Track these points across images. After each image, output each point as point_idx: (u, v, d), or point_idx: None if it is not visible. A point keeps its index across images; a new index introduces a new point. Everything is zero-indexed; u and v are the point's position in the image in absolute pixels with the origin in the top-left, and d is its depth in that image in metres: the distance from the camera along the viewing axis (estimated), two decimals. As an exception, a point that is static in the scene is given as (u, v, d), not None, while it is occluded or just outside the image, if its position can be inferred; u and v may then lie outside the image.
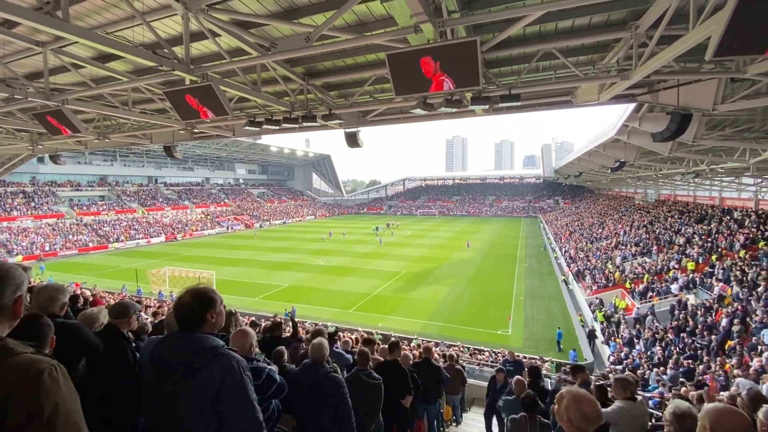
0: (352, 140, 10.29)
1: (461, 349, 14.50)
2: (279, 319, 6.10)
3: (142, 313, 6.44)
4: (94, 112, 10.13)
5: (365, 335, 6.31)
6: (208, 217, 60.15)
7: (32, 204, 42.63)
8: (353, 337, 6.28)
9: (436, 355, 6.52)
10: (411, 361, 5.10)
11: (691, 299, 15.12)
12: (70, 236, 40.41)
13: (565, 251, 32.51)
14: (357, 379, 3.61)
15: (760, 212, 19.67)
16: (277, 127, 9.05)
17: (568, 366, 12.02)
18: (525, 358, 12.81)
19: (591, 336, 17.15)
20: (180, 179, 67.56)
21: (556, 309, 21.22)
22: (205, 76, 6.36)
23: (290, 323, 5.60)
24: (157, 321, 5.54)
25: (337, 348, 4.73)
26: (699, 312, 13.88)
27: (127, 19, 5.89)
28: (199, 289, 1.84)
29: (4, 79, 7.69)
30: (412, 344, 11.60)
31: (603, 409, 3.47)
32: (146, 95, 9.53)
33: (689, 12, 4.39)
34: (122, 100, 10.07)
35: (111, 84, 7.85)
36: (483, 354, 14.58)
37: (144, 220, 50.75)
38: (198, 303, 1.79)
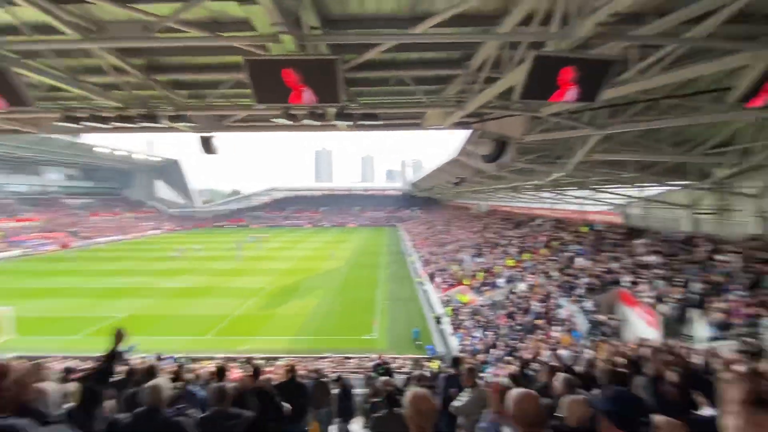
0: (207, 146, 9.31)
1: (331, 360, 14.55)
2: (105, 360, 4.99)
3: None
4: None
5: (216, 366, 5.55)
6: (1, 234, 45.62)
7: None
8: (209, 369, 5.62)
9: (300, 372, 6.36)
10: (274, 383, 4.85)
11: (522, 287, 18.69)
12: None
13: (421, 256, 36.21)
14: (215, 419, 3.20)
15: (554, 219, 25.80)
16: (107, 126, 7.53)
17: (422, 361, 13.29)
18: (392, 358, 13.65)
19: (438, 321, 20.02)
20: (-52, 185, 49.66)
21: (414, 309, 23.34)
22: (-8, 53, 4.86)
23: (123, 362, 4.62)
24: None
25: (189, 387, 4.15)
26: (518, 300, 17.27)
27: None
28: None
29: None
30: (277, 363, 11.05)
31: (456, 403, 3.94)
32: None
33: (503, 61, 5.50)
34: None
35: None
36: (351, 361, 14.92)
37: None
38: None
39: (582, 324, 13.19)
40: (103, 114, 7.45)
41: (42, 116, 9.18)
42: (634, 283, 13.08)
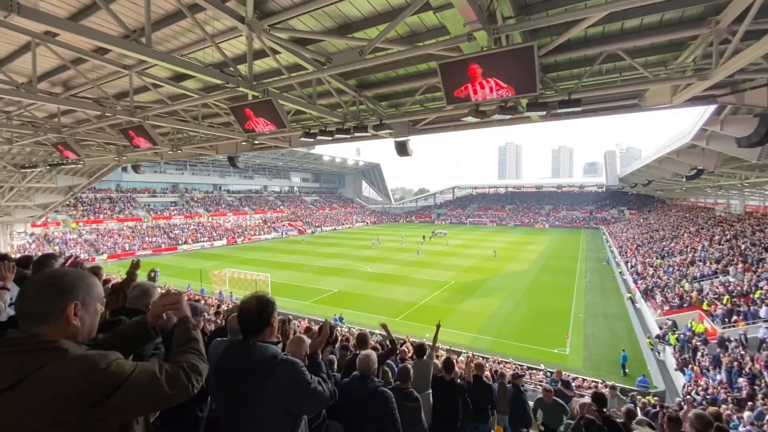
0: (402, 149, 10.36)
1: (513, 367, 13.85)
2: (333, 324, 6.21)
3: (205, 314, 6.90)
4: (169, 127, 11.20)
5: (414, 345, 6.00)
6: (266, 222, 63.59)
7: (116, 209, 47.92)
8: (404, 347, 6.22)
9: (487, 373, 6.27)
10: (460, 379, 4.95)
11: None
12: (147, 238, 44.77)
13: (632, 266, 29.88)
14: (395, 396, 3.49)
15: None
16: (330, 138, 9.36)
17: (635, 395, 10.99)
18: (585, 381, 11.92)
19: (655, 349, 16.64)
20: (241, 187, 72.29)
21: (621, 329, 19.51)
22: (266, 92, 6.77)
23: (336, 329, 5.65)
24: (220, 320, 5.88)
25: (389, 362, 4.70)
26: (798, 342, 12.01)
27: (199, 41, 6.46)
28: (262, 295, 1.99)
29: (98, 99, 8.77)
30: (459, 358, 11.27)
31: None
32: (213, 110, 10.34)
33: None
34: (193, 115, 11.04)
35: (184, 101, 8.64)
36: (539, 374, 13.80)
37: (209, 224, 54.85)
38: (263, 308, 1.96)
39: None
40: (328, 129, 9.27)
41: (291, 134, 12.21)
42: None
